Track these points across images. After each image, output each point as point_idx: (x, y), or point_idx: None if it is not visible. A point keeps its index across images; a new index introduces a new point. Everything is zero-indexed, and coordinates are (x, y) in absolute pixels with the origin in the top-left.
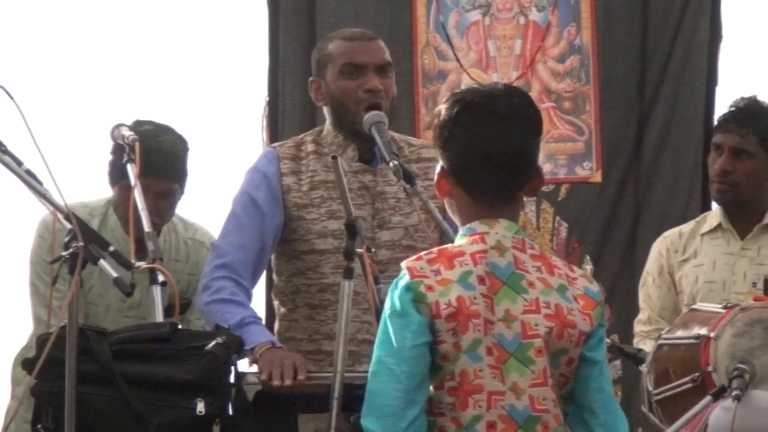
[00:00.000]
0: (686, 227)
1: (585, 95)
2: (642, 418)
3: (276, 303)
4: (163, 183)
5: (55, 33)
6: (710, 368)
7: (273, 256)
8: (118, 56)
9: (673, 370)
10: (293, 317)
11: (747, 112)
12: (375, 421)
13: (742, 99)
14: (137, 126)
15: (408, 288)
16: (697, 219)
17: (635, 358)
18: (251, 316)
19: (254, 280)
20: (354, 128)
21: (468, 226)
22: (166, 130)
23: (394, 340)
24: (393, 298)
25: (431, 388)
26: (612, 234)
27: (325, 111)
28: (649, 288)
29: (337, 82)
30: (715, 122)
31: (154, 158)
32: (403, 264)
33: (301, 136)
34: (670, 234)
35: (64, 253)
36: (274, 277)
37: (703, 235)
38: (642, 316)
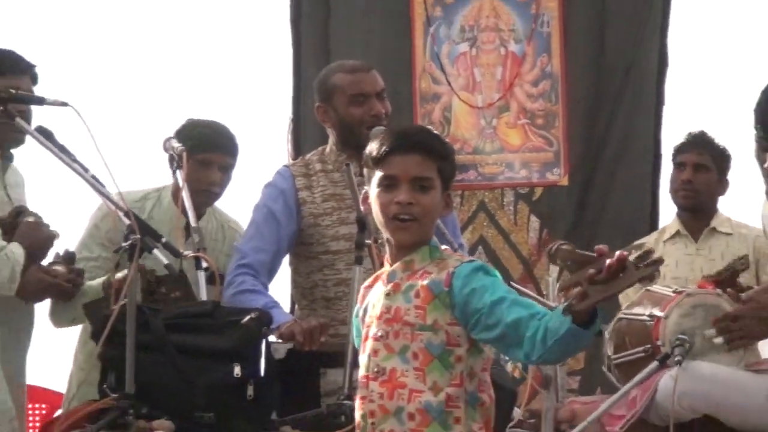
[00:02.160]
0: (650, 238)
1: (554, 113)
2: (602, 378)
3: (297, 296)
4: (227, 158)
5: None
6: (659, 342)
7: (293, 258)
8: (165, 76)
9: (629, 341)
10: (312, 307)
11: (702, 138)
12: None
13: (694, 130)
14: (197, 123)
15: None
16: (658, 231)
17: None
18: (272, 301)
19: (270, 278)
20: (359, 145)
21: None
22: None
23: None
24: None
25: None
26: (577, 229)
27: (330, 132)
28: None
29: (347, 110)
30: (674, 147)
31: (220, 138)
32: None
33: (307, 156)
34: (638, 244)
35: (124, 244)
36: (293, 274)
37: (665, 241)
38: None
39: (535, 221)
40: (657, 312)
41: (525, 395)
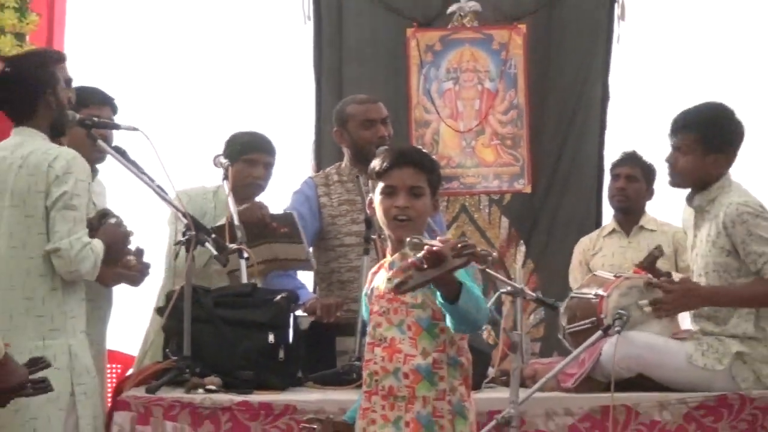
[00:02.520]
0: (593, 234)
1: (520, 136)
2: (558, 344)
3: (318, 279)
4: (267, 156)
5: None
6: (603, 315)
7: (315, 249)
8: (216, 106)
9: (579, 315)
10: (330, 288)
11: (633, 155)
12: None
13: (628, 150)
14: (243, 132)
15: None
16: (599, 230)
17: (551, 306)
18: (300, 283)
19: None
20: (369, 161)
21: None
22: None
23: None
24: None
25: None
26: (537, 227)
27: (345, 151)
28: (575, 273)
29: (358, 133)
30: (612, 162)
31: (261, 141)
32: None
33: (326, 169)
34: (584, 240)
35: (182, 238)
36: (314, 263)
37: (604, 237)
38: (574, 287)
39: (505, 221)
40: (600, 292)
41: (497, 357)
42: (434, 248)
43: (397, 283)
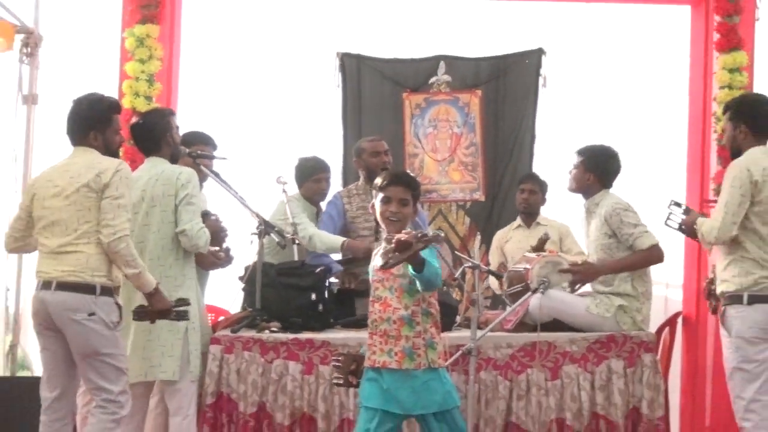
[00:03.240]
0: (507, 228)
1: (477, 164)
2: (501, 300)
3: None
4: (327, 173)
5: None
6: (529, 282)
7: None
8: (270, 140)
9: (515, 281)
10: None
11: (534, 175)
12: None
13: (529, 172)
14: (307, 158)
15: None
16: (509, 225)
17: (497, 276)
18: (333, 261)
19: None
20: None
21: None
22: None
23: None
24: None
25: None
26: (489, 224)
27: (361, 174)
28: (493, 256)
29: (369, 161)
30: (519, 180)
31: (321, 163)
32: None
33: (348, 186)
34: (499, 232)
35: (255, 230)
36: None
37: (513, 230)
38: (493, 265)
39: (467, 219)
40: (527, 266)
41: (462, 309)
42: (403, 238)
43: (382, 264)
